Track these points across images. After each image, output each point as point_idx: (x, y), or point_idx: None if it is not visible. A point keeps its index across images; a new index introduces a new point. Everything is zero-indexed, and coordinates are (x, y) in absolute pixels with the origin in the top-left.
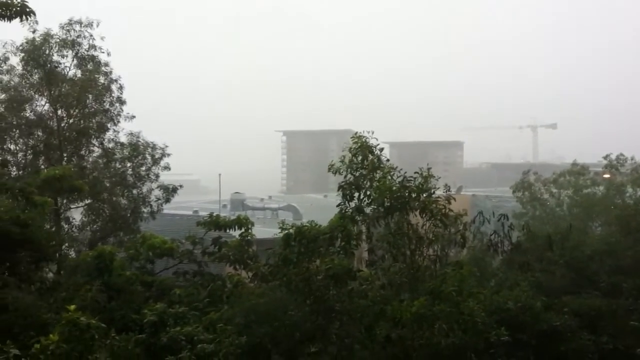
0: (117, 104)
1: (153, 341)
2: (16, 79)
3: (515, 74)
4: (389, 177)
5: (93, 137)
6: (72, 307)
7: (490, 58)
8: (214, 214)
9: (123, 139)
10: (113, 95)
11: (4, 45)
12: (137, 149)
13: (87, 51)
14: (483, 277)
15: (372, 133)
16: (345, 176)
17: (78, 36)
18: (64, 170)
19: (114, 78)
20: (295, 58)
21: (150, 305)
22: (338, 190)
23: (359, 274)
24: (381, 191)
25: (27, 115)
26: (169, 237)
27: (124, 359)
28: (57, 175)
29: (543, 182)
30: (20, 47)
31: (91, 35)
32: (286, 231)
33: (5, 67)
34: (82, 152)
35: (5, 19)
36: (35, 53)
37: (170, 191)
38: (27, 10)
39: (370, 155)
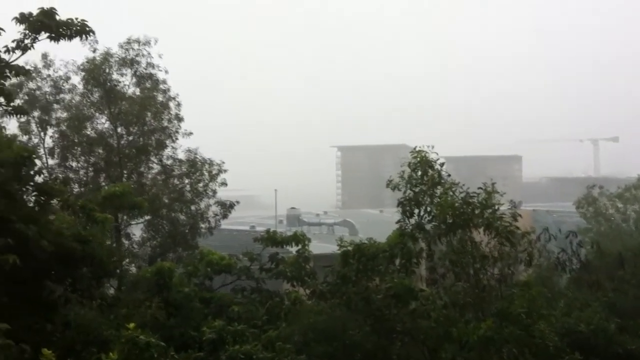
0: (175, 121)
1: (212, 359)
2: (77, 98)
3: (574, 85)
4: (451, 193)
5: (152, 154)
6: (132, 325)
7: (548, 68)
8: (271, 230)
9: (181, 155)
10: (171, 112)
11: (66, 65)
12: (195, 166)
13: (145, 69)
14: (551, 297)
15: (432, 147)
16: (405, 192)
17: (136, 55)
18: (124, 187)
19: (171, 95)
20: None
21: (209, 323)
22: (397, 206)
23: (420, 294)
24: (443, 207)
25: (89, 133)
26: (227, 253)
27: None
28: (118, 192)
29: (608, 197)
30: (81, 67)
31: (149, 53)
32: (344, 248)
33: (67, 86)
34: (142, 169)
35: (67, 38)
36: (96, 72)
37: (227, 207)
38: (87, 29)
39: (430, 171)
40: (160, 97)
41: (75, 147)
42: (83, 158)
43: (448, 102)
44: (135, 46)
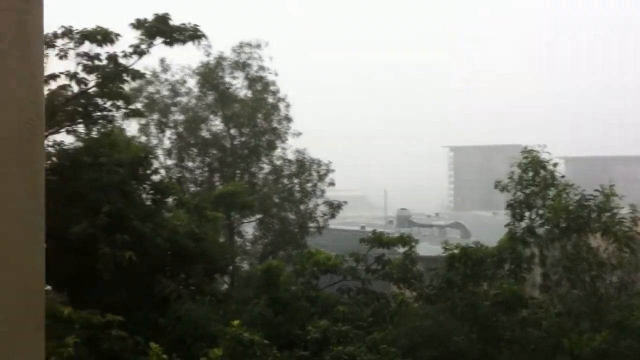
0: (285, 122)
1: (316, 359)
2: (193, 101)
3: None
4: (565, 195)
5: (263, 154)
6: (237, 322)
7: None
8: (377, 231)
9: (290, 156)
10: (281, 113)
11: (182, 69)
12: (304, 166)
13: (257, 72)
14: None
15: (544, 147)
16: (515, 194)
17: (248, 58)
18: (236, 187)
19: (281, 97)
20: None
21: (314, 322)
22: (506, 208)
23: (531, 301)
24: (556, 210)
25: (203, 134)
26: (336, 252)
27: None
28: (230, 191)
29: None
30: (196, 71)
31: (260, 57)
32: (450, 252)
33: (183, 90)
34: (253, 169)
35: (180, 42)
36: (210, 76)
37: (335, 207)
38: (199, 34)
39: (542, 171)
40: (270, 99)
41: (191, 148)
42: (199, 158)
43: (569, 102)
44: (247, 49)
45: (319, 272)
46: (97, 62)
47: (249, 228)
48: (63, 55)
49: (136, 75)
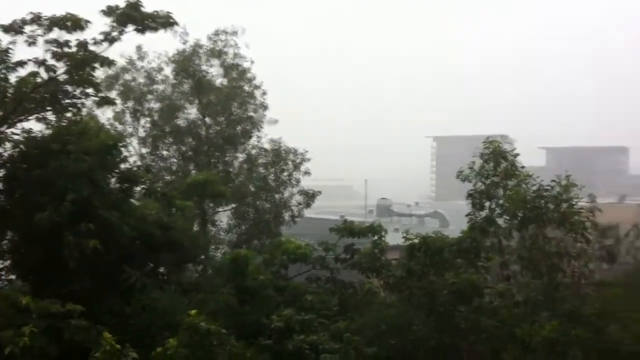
0: (261, 110)
1: (278, 348)
2: (169, 89)
3: None
4: (524, 186)
5: (238, 143)
6: (194, 312)
7: None
8: (348, 220)
9: (266, 145)
10: (256, 102)
11: (158, 57)
12: (279, 155)
13: (233, 60)
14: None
15: (507, 137)
16: (475, 184)
17: (224, 45)
18: (208, 176)
19: (257, 84)
20: (448, 60)
21: (279, 311)
22: (467, 198)
23: (487, 291)
24: (514, 201)
25: (179, 122)
26: (313, 241)
27: None
28: (201, 180)
29: None
30: (172, 59)
31: (236, 44)
32: (410, 241)
33: (160, 78)
34: (228, 158)
35: (153, 30)
36: (185, 63)
37: (310, 196)
38: (172, 21)
39: (503, 162)
40: (246, 87)
41: (166, 137)
42: (174, 147)
43: (555, 94)
44: (223, 37)
45: (289, 261)
46: (66, 49)
47: (224, 217)
48: (32, 42)
49: (106, 62)
